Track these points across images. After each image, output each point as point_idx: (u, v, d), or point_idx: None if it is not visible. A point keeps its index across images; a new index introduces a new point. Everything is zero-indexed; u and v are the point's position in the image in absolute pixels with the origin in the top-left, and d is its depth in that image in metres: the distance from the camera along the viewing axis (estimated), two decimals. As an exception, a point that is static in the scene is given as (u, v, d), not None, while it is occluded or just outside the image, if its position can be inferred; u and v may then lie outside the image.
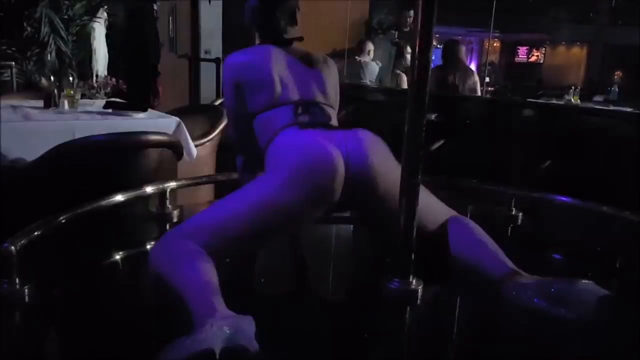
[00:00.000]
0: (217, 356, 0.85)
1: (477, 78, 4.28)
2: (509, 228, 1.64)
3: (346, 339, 1.03)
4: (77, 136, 2.43)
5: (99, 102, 3.23)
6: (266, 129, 1.45)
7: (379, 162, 1.29)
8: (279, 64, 1.49)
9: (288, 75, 1.48)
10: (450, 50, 4.16)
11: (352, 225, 1.66)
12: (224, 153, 3.20)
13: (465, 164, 2.29)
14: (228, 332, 0.90)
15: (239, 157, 1.64)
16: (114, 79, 3.76)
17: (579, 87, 8.87)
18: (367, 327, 1.09)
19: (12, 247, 1.14)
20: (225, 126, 3.07)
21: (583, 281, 1.08)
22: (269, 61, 1.48)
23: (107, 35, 5.13)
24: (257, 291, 1.25)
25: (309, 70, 1.53)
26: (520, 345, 1.03)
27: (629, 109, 5.19)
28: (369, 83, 5.06)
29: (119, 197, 1.53)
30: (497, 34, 18.57)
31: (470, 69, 4.57)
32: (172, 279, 1.09)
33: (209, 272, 1.09)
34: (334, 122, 1.51)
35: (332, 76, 1.57)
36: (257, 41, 1.61)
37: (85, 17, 4.95)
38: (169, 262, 1.13)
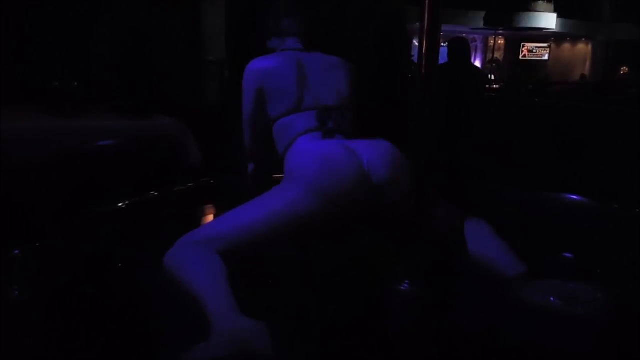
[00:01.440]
0: None
1: (483, 75, 4.27)
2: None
3: (360, 343, 1.02)
4: (82, 140, 2.43)
5: (103, 106, 3.23)
6: (285, 135, 1.46)
7: (399, 174, 1.29)
8: (301, 70, 1.50)
9: (309, 81, 1.49)
10: (457, 48, 4.14)
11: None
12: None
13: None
14: (244, 338, 0.91)
15: (250, 163, 1.63)
16: None
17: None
18: (381, 330, 1.08)
19: (19, 253, 1.14)
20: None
21: (595, 282, 1.07)
22: (292, 67, 1.49)
23: (112, 39, 5.14)
24: (272, 297, 1.25)
25: (329, 75, 1.53)
26: (532, 344, 1.02)
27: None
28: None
29: (126, 201, 1.54)
30: (501, 31, 18.56)
31: (477, 67, 4.55)
32: (187, 285, 1.09)
33: (225, 278, 1.09)
34: (354, 126, 1.51)
35: (351, 80, 1.57)
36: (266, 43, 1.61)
37: None
38: (184, 267, 1.13)
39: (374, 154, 1.29)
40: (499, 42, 19.75)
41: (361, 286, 1.25)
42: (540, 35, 18.92)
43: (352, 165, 1.27)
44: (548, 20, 17.29)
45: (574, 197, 1.66)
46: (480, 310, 1.18)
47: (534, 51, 19.75)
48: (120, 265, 1.29)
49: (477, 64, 19.32)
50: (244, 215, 1.25)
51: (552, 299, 1.08)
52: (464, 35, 18.68)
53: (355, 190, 1.25)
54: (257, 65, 1.50)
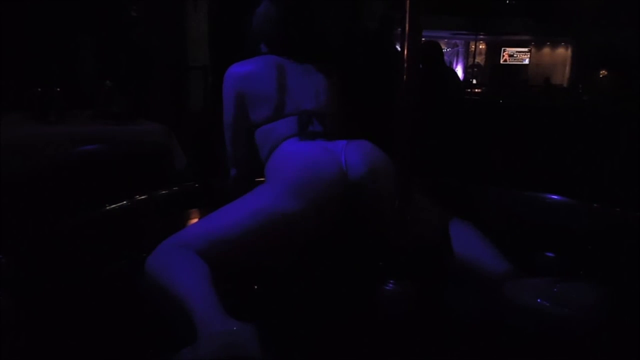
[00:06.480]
0: None
1: (459, 79, 4.25)
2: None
3: (347, 343, 1.03)
4: (66, 146, 2.42)
5: (88, 112, 3.21)
6: (268, 140, 1.45)
7: (378, 172, 1.29)
8: (283, 75, 1.48)
9: (292, 86, 1.48)
10: (428, 52, 4.11)
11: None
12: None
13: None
14: (231, 341, 0.90)
15: (232, 168, 1.62)
16: None
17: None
18: (368, 330, 1.09)
19: (5, 258, 1.14)
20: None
21: (583, 280, 1.08)
22: (273, 72, 1.48)
23: (99, 43, 5.09)
24: (258, 298, 1.25)
25: (311, 80, 1.52)
26: (520, 344, 1.03)
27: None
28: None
29: (112, 206, 1.53)
30: (482, 36, 18.75)
31: (451, 70, 4.55)
32: (172, 288, 1.07)
33: (209, 280, 1.08)
34: (339, 130, 1.50)
35: (334, 85, 1.57)
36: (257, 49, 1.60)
37: None
38: (167, 271, 1.12)
39: (351, 151, 1.30)
40: (480, 47, 19.95)
41: (346, 287, 1.27)
42: (520, 40, 19.15)
43: (329, 164, 1.27)
44: (528, 25, 17.51)
45: (556, 196, 1.68)
46: (467, 309, 1.20)
47: (515, 56, 19.97)
48: (104, 270, 1.28)
49: (459, 68, 19.52)
50: (225, 216, 1.25)
51: (540, 298, 1.08)
52: (446, 40, 18.91)
53: (334, 189, 1.26)
54: (236, 70, 1.49)
